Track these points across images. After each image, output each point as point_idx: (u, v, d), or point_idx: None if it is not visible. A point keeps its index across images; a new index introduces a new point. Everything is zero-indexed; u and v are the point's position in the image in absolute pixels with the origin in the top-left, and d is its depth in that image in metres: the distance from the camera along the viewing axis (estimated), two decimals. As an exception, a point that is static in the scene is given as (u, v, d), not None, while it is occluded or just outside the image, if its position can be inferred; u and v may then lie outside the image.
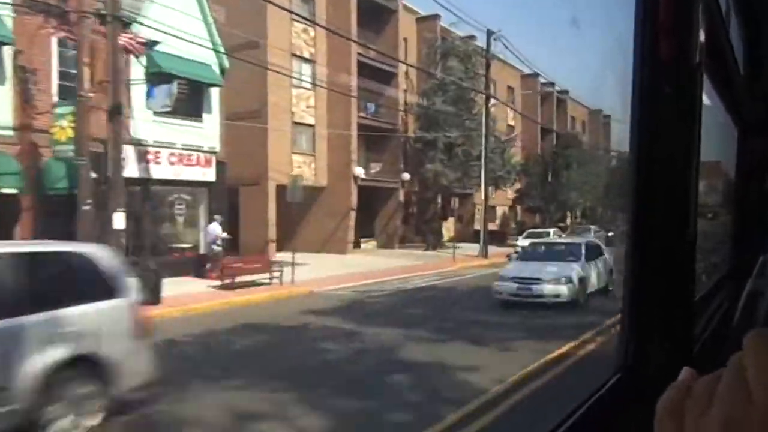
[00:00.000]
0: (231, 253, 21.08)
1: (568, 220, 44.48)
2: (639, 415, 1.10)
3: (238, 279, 16.51)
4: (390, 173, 32.51)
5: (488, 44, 29.60)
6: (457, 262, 25.35)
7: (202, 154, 20.48)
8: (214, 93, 21.03)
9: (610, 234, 33.90)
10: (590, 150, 45.01)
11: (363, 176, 29.94)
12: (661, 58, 1.17)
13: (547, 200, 39.40)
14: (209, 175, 20.76)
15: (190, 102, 19.99)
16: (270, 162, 25.50)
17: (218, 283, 16.64)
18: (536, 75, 44.99)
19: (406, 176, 32.41)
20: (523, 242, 26.26)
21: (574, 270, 14.44)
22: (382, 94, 32.00)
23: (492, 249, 29.04)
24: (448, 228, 36.46)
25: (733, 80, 2.29)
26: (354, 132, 28.78)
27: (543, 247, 17.92)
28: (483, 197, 29.47)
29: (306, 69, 27.79)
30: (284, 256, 22.74)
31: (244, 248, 23.73)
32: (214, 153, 20.94)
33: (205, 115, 20.76)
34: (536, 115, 45.04)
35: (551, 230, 29.80)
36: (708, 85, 1.87)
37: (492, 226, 39.11)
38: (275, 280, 17.37)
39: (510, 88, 43.56)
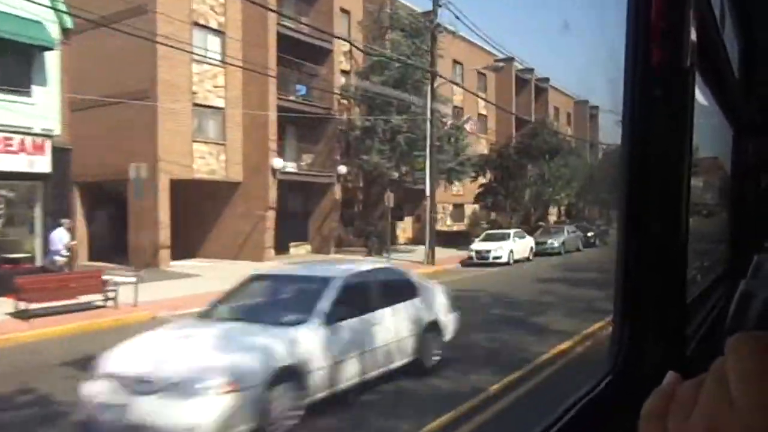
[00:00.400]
0: (120, 261, 18.08)
1: (554, 218, 42.22)
2: (630, 418, 1.11)
3: (58, 302, 12.32)
4: (325, 166, 27.60)
5: (434, 12, 24.87)
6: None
7: (29, 138, 15.79)
8: (51, 60, 16.32)
9: (590, 234, 31.12)
10: (569, 140, 40.75)
11: (289, 169, 25.69)
12: (653, 61, 1.18)
13: (510, 196, 34.06)
14: (41, 165, 15.95)
15: (10, 70, 15.49)
16: (161, 151, 20.87)
17: (19, 307, 11.98)
18: (510, 59, 39.56)
19: (342, 169, 27.54)
20: (478, 246, 24.33)
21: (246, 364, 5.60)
22: (315, 74, 27.19)
23: (450, 253, 25.65)
24: (405, 229, 33.56)
25: (728, 81, 2.29)
26: (273, 117, 23.91)
27: (258, 286, 8.09)
28: (428, 193, 24.52)
29: (213, 42, 23.16)
30: (183, 264, 19.78)
31: (133, 255, 20.08)
32: (50, 136, 16.19)
33: (36, 88, 16.10)
34: (510, 104, 39.90)
35: (511, 231, 26.33)
36: (703, 85, 1.88)
37: (460, 226, 35.98)
38: (111, 302, 13.20)
39: (480, 74, 38.38)
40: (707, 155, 3.96)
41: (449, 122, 29.07)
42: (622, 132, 1.24)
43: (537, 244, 27.33)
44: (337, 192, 27.77)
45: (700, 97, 1.86)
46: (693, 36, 1.23)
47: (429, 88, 24.92)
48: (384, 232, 26.53)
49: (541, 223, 36.26)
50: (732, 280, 2.47)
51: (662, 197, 1.27)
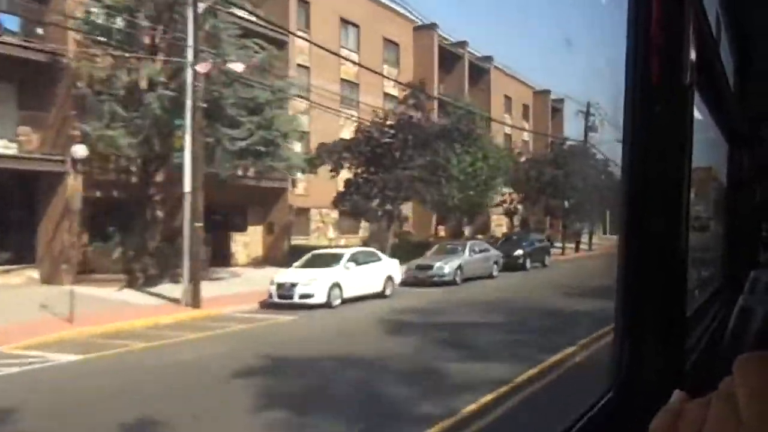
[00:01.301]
0: None
1: (504, 228, 36.66)
2: None
3: None
4: (56, 145, 18.12)
5: None
6: (74, 324, 12.25)
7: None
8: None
9: (519, 252, 24.53)
10: (488, 124, 32.26)
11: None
12: (653, 78, 1.18)
13: (382, 196, 22.75)
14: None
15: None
16: None
17: None
18: (432, 27, 32.13)
19: (80, 151, 17.43)
20: (284, 276, 16.07)
21: None
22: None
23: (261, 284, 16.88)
24: (248, 244, 24.32)
25: (724, 96, 2.31)
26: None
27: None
28: (186, 187, 15.50)
29: None
30: None
31: None
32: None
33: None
34: (432, 82, 31.24)
35: (349, 251, 18.00)
36: (698, 99, 1.89)
37: (350, 240, 26.45)
38: None
39: (393, 43, 31.35)
40: (701, 167, 3.97)
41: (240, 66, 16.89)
42: (622, 149, 1.24)
43: (418, 268, 19.77)
44: (73, 186, 17.75)
45: (696, 111, 1.88)
46: (692, 53, 1.24)
47: (191, 13, 15.06)
48: (167, 250, 17.66)
49: (479, 236, 30.87)
50: (729, 295, 2.47)
51: (662, 212, 1.28)
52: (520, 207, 35.52)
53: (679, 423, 0.38)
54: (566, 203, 33.52)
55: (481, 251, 22.43)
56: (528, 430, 6.00)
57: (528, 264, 24.83)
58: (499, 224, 38.19)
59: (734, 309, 1.80)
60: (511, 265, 23.48)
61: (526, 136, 42.61)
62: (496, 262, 22.57)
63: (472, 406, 6.64)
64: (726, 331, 1.74)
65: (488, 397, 6.87)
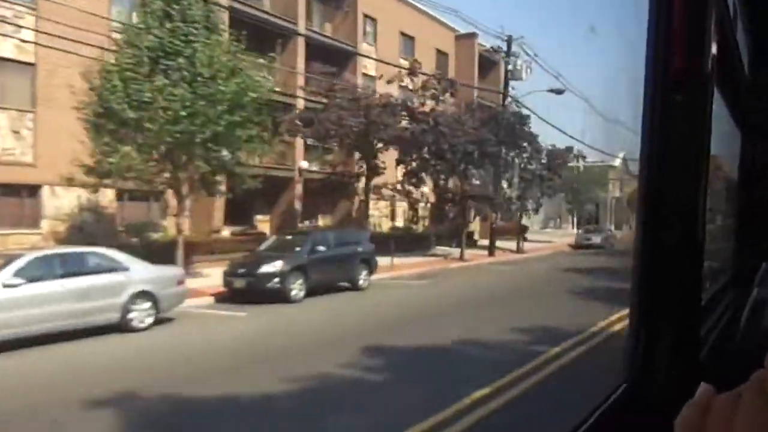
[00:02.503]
0: None
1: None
2: (647, 426, 1.10)
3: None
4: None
5: None
6: None
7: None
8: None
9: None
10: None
11: None
12: (674, 67, 1.17)
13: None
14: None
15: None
16: None
17: None
18: None
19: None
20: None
21: None
22: None
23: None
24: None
25: (740, 87, 2.28)
26: None
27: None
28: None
29: None
30: None
31: None
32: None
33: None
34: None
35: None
36: (716, 93, 1.86)
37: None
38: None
39: None
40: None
41: None
42: (641, 138, 1.23)
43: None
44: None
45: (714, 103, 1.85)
46: (714, 44, 1.22)
47: None
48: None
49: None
50: (741, 286, 2.46)
51: (679, 204, 1.27)
52: (413, 188, 25.26)
53: (707, 417, 0.37)
54: (474, 179, 26.77)
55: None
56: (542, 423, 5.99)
57: (297, 291, 14.20)
58: (385, 215, 30.25)
59: (747, 300, 1.79)
60: (254, 291, 13.64)
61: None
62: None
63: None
64: (739, 322, 1.74)
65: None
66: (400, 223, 31.84)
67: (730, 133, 3.14)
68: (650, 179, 1.25)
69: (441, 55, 35.67)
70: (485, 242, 29.86)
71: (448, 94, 25.81)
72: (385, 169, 24.86)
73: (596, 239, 34.24)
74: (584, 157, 41.87)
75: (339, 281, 16.08)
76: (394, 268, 19.90)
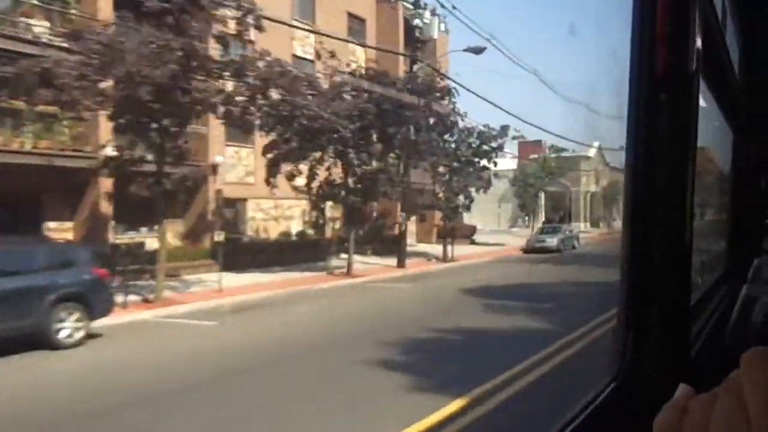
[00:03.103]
0: None
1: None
2: (636, 423, 1.11)
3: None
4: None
5: None
6: None
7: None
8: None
9: None
10: None
11: None
12: (658, 66, 1.17)
13: None
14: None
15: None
16: None
17: None
18: None
19: None
20: None
21: None
22: None
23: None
24: None
25: (729, 82, 2.29)
26: None
27: None
28: None
29: None
30: None
31: None
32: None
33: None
34: None
35: None
36: (704, 87, 1.88)
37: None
38: None
39: None
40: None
41: None
42: (627, 137, 1.24)
43: None
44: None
45: (702, 99, 1.86)
46: (698, 41, 1.23)
47: None
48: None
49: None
50: (732, 283, 2.47)
51: (667, 203, 1.27)
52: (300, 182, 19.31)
53: (684, 419, 0.37)
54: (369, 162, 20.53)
55: None
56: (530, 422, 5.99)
57: None
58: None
59: (737, 298, 1.79)
60: None
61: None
62: None
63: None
64: (729, 320, 1.74)
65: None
66: (300, 226, 24.38)
67: (721, 131, 3.15)
68: (637, 177, 1.25)
69: (355, 19, 27.99)
70: (426, 247, 25.69)
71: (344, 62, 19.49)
72: (190, 153, 15.66)
73: (551, 241, 28.21)
74: (559, 149, 38.85)
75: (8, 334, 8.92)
76: (220, 293, 14.60)
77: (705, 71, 1.49)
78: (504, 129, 26.06)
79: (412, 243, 26.04)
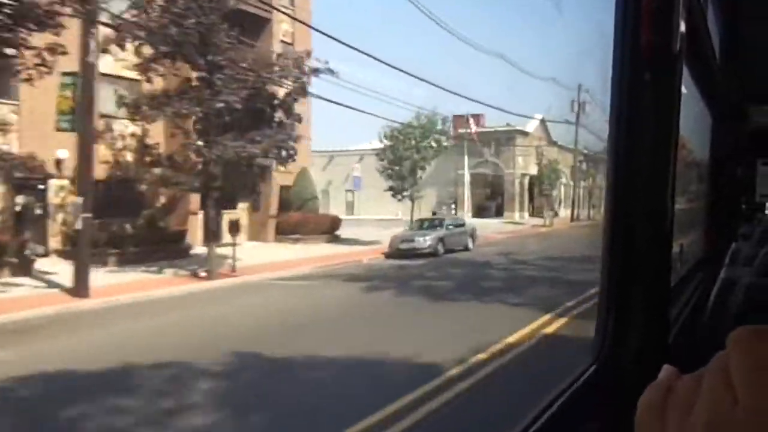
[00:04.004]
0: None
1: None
2: (616, 404, 1.11)
3: None
4: None
5: None
6: None
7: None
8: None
9: None
10: None
11: None
12: (642, 46, 1.16)
13: None
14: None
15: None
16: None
17: None
18: None
19: None
20: None
21: None
22: None
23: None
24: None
25: (711, 68, 2.30)
26: None
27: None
28: None
29: None
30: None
31: None
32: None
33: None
34: None
35: None
36: (686, 74, 1.88)
37: None
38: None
39: None
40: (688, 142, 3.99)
41: None
42: (609, 117, 1.23)
43: None
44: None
45: (683, 85, 1.87)
46: (682, 24, 1.22)
47: None
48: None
49: None
50: (710, 266, 2.50)
51: (649, 184, 1.27)
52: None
53: (669, 398, 0.36)
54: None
55: None
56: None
57: None
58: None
59: (716, 280, 1.81)
60: None
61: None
62: None
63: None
64: (708, 301, 1.76)
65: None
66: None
67: (701, 118, 3.18)
68: (619, 158, 1.24)
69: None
70: (250, 248, 19.37)
71: None
72: None
73: (422, 241, 20.19)
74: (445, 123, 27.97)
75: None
76: None
77: (688, 55, 1.49)
78: (306, 54, 17.23)
79: (226, 244, 16.47)
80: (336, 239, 24.25)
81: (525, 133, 38.61)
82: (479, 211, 38.58)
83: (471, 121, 35.83)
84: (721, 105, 3.13)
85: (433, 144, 26.93)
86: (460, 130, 34.44)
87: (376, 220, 32.14)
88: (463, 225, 23.66)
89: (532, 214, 38.77)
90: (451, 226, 22.63)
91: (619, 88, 1.20)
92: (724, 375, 0.33)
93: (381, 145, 27.09)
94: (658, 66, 1.20)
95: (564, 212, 39.92)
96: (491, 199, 40.23)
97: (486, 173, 39.14)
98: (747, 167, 4.67)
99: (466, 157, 37.06)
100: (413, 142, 26.03)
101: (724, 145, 3.43)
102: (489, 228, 28.92)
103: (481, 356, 7.42)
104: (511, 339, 8.29)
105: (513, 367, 7.28)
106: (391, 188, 26.54)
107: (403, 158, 25.77)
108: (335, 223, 25.23)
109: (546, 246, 23.08)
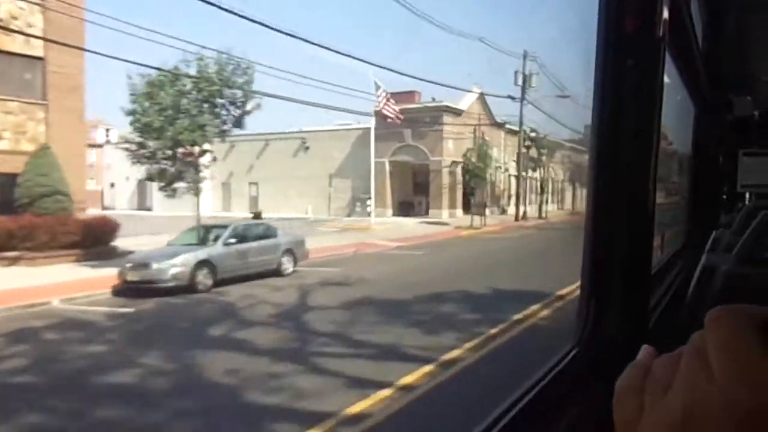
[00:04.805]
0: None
1: None
2: (596, 389, 1.12)
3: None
4: None
5: None
6: None
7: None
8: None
9: None
10: None
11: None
12: (626, 29, 1.16)
13: None
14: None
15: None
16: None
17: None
18: None
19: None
20: None
21: None
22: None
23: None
24: None
25: (693, 58, 2.31)
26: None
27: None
28: None
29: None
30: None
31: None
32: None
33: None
34: None
35: None
36: (669, 64, 1.89)
37: None
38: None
39: None
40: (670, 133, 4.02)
41: None
42: (593, 102, 1.23)
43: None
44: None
45: (666, 76, 1.87)
46: (665, 8, 1.22)
47: None
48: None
49: None
50: (691, 253, 2.53)
51: (632, 169, 1.27)
52: None
53: (647, 378, 0.36)
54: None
55: None
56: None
57: None
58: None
59: (696, 267, 1.83)
60: None
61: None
62: None
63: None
64: (689, 288, 1.78)
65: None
66: None
67: (684, 107, 3.20)
68: (602, 144, 1.25)
69: None
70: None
71: None
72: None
73: (164, 269, 11.83)
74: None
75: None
76: None
77: (670, 44, 1.49)
78: None
79: None
80: (102, 255, 15.08)
81: (456, 111, 29.84)
82: (403, 208, 30.85)
83: (383, 95, 26.62)
84: (703, 95, 3.15)
85: (227, 105, 16.11)
86: (385, 110, 26.67)
87: (276, 219, 22.00)
88: (271, 236, 14.47)
89: (468, 212, 28.36)
90: (236, 239, 13.58)
91: (603, 72, 1.20)
92: (700, 354, 0.33)
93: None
94: (641, 50, 1.20)
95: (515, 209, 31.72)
96: (420, 193, 31.41)
97: (409, 161, 30.52)
98: (729, 157, 4.73)
99: (372, 141, 26.66)
100: (183, 100, 15.54)
101: (706, 135, 3.46)
102: (397, 231, 22.62)
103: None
104: None
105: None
106: (149, 177, 16.60)
107: (160, 128, 15.24)
108: (100, 228, 15.93)
109: (443, 269, 14.23)
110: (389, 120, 27.14)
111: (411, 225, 25.94)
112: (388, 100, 26.82)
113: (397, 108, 27.29)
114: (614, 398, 0.37)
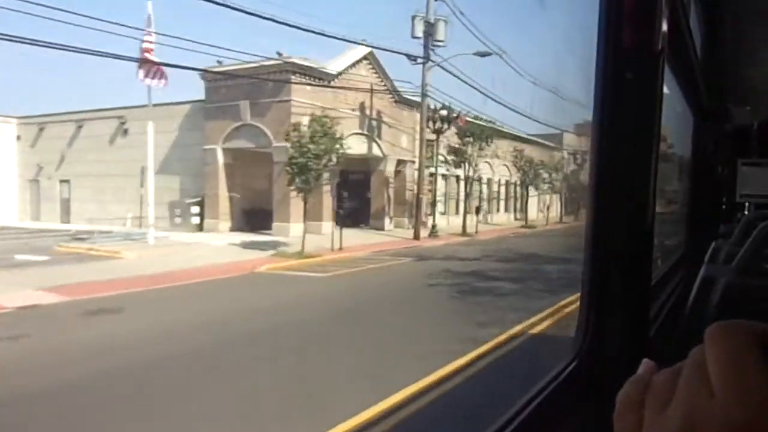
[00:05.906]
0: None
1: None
2: (596, 399, 1.12)
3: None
4: None
5: None
6: None
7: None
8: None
9: None
10: None
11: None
12: (625, 44, 1.17)
13: None
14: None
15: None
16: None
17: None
18: None
19: None
20: None
21: None
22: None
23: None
24: None
25: (692, 69, 2.33)
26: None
27: None
28: None
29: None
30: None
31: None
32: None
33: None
34: None
35: None
36: (669, 75, 1.90)
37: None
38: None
39: None
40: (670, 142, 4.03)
41: None
42: (593, 116, 1.23)
43: None
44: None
45: (666, 86, 1.88)
46: (664, 24, 1.23)
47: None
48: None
49: None
50: (691, 264, 2.53)
51: (630, 181, 1.28)
52: None
53: (647, 393, 0.37)
54: None
55: None
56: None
57: None
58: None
59: (696, 278, 1.83)
60: None
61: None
62: None
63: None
64: (688, 299, 1.78)
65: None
66: None
67: (683, 117, 3.21)
68: (602, 157, 1.25)
69: None
70: None
71: None
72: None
73: None
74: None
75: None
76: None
77: (670, 56, 1.50)
78: None
79: None
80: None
81: (315, 74, 19.64)
82: (250, 219, 20.61)
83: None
84: (702, 105, 3.17)
85: None
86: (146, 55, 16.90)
87: (87, 232, 16.56)
88: None
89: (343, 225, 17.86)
90: None
91: (602, 87, 1.21)
92: (700, 369, 0.34)
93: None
94: (640, 65, 1.21)
95: (447, 220, 24.79)
96: (358, 199, 21.96)
97: (249, 148, 20.33)
98: (728, 167, 4.75)
99: (150, 124, 17.63)
100: None
101: (705, 145, 3.47)
102: (160, 264, 12.90)
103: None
104: None
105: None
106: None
107: None
108: None
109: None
110: (152, 76, 17.00)
111: (214, 248, 16.02)
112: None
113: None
114: (615, 413, 0.38)
